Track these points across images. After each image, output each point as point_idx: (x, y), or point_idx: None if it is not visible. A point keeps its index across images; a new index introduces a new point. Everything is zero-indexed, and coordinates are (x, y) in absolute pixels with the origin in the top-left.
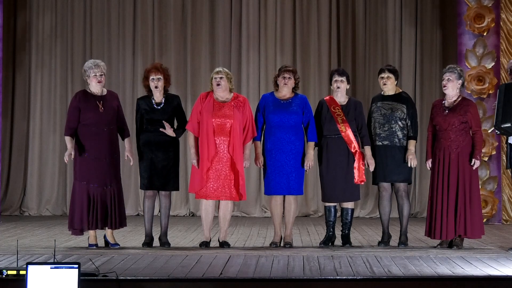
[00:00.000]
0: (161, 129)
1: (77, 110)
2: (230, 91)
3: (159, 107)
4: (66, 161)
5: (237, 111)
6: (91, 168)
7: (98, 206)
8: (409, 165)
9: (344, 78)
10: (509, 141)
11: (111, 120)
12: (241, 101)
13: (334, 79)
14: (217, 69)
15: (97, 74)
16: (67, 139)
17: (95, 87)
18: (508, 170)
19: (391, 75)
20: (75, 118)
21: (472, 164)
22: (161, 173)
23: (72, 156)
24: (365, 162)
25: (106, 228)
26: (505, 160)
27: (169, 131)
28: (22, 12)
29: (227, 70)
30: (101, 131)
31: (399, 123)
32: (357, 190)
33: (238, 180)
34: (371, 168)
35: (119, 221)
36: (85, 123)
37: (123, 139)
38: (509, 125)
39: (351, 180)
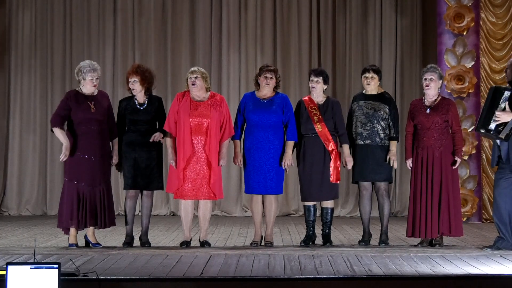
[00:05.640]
0: (151, 140)
1: (67, 107)
2: (207, 90)
3: (142, 108)
4: (62, 160)
5: (214, 110)
6: (81, 167)
7: (87, 205)
8: (391, 165)
9: (320, 79)
10: (496, 141)
11: (102, 119)
12: (217, 100)
13: (310, 79)
14: (192, 69)
15: (94, 78)
16: (57, 131)
17: (88, 89)
18: (495, 168)
19: (375, 76)
20: (64, 112)
21: (454, 162)
22: (145, 172)
23: (68, 152)
24: (343, 160)
25: (89, 227)
26: (485, 159)
27: (159, 138)
28: (1, 12)
29: (202, 70)
30: (91, 131)
31: (381, 123)
32: (335, 189)
33: (214, 179)
34: (349, 166)
35: (108, 220)
36: (76, 122)
37: (110, 140)
38: (483, 131)
39: (328, 179)
